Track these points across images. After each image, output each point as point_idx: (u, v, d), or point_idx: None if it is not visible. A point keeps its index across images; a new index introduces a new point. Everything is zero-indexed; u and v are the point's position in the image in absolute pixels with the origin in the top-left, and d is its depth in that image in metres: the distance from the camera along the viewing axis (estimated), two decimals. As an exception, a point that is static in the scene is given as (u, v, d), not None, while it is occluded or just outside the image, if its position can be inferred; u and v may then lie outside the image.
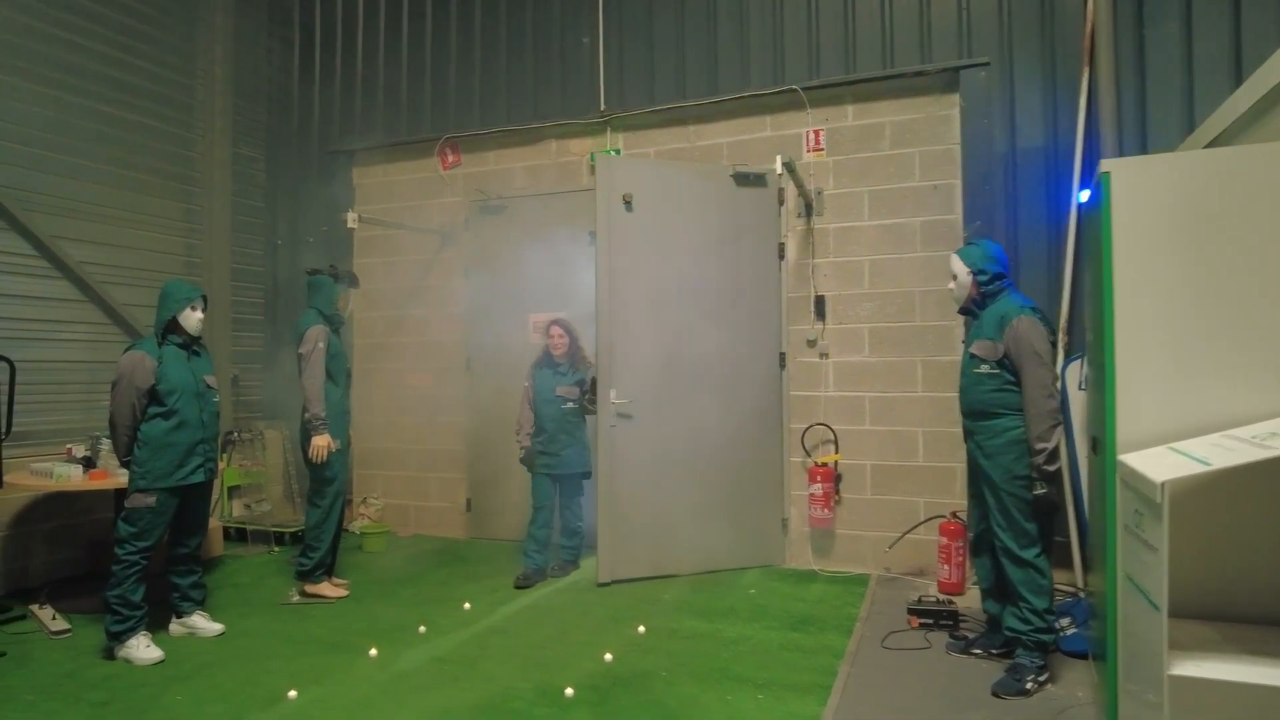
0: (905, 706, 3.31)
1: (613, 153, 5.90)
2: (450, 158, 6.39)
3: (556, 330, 5.21)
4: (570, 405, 5.19)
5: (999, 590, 3.73)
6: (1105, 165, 2.88)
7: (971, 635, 3.98)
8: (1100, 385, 3.01)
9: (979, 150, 5.12)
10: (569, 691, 3.42)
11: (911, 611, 4.31)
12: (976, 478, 3.70)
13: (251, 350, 6.78)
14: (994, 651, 3.75)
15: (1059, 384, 4.06)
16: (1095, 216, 3.05)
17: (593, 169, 5.92)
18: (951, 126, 5.20)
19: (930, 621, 4.23)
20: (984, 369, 3.55)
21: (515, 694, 3.44)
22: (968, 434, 3.72)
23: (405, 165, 6.66)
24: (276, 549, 6.01)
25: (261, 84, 7.01)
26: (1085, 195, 4.55)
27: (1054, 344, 3.79)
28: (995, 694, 3.35)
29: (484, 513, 6.38)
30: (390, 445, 6.64)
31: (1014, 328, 3.43)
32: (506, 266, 6.21)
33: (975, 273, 3.63)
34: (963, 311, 3.76)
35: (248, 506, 6.10)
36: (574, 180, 6.11)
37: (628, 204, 5.04)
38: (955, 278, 3.71)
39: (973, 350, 3.61)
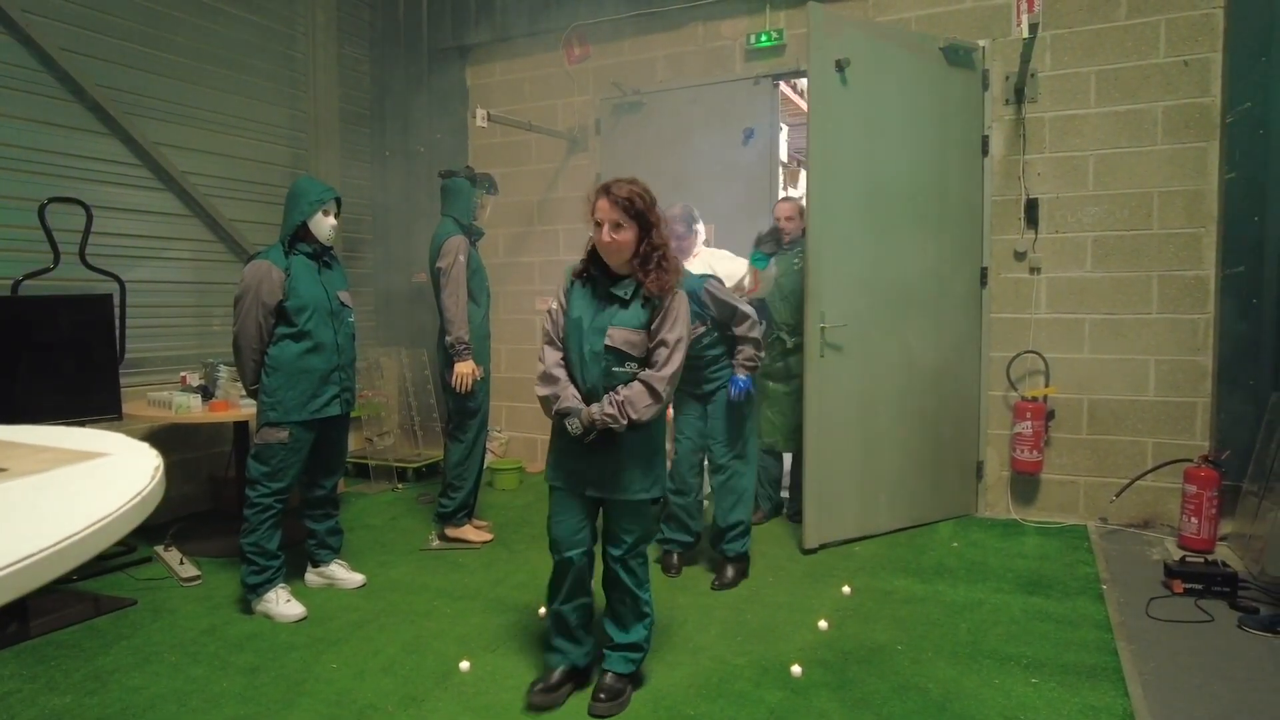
0: (1240, 705, 2.60)
1: (771, 35, 5.05)
2: (577, 50, 5.61)
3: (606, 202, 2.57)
4: (629, 367, 2.58)
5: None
6: None
7: (1261, 608, 3.24)
8: None
9: (1254, 13, 4.11)
10: (796, 670, 2.81)
11: (1173, 574, 3.58)
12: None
13: (361, 272, 6.23)
14: (1316, 633, 3.00)
15: None
16: None
17: (753, 50, 5.12)
18: (1213, -15, 4.22)
19: (1199, 587, 3.50)
20: None
21: (734, 672, 2.84)
22: None
23: (525, 61, 5.92)
24: (400, 486, 5.55)
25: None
26: None
27: None
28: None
29: (618, 449, 5.78)
30: (514, 374, 6.07)
31: None
32: (645, 172, 5.36)
33: None
34: None
35: (369, 440, 5.62)
36: (725, 69, 5.29)
37: (841, 71, 4.09)
38: None
39: None
